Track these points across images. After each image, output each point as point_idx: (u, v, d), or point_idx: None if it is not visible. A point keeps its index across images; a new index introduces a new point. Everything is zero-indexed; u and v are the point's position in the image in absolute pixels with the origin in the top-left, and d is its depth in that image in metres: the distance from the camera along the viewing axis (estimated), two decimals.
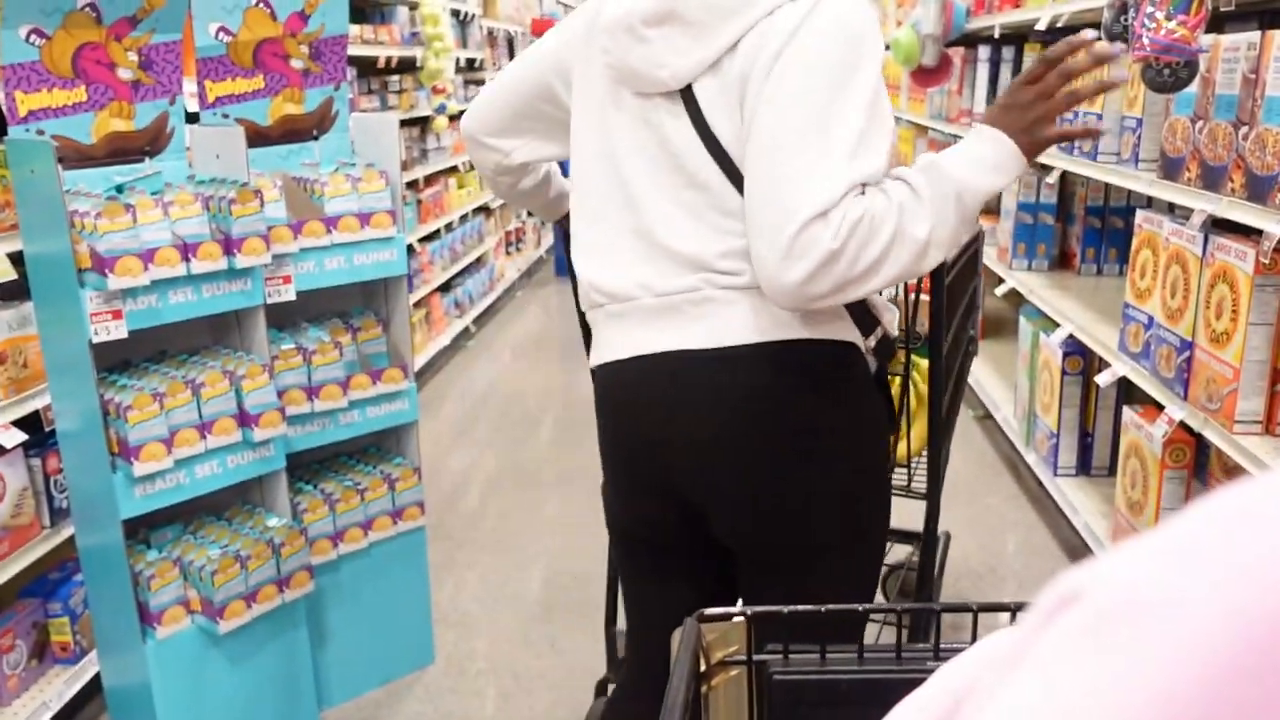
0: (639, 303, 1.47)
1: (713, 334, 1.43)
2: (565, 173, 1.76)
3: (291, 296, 2.37)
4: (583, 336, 1.82)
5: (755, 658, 0.91)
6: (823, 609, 0.92)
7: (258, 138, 2.51)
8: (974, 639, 0.74)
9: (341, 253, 2.47)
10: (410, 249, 5.24)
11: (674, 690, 0.80)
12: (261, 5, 2.46)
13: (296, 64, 2.55)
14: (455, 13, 6.27)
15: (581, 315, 1.72)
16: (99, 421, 2.07)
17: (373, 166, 2.56)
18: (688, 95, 1.40)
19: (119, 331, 2.04)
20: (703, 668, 0.90)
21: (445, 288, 5.98)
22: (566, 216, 1.70)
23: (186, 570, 2.24)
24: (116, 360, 2.26)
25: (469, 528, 3.76)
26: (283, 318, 2.55)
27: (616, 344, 1.52)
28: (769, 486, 1.47)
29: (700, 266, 1.42)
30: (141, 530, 2.30)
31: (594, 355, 1.59)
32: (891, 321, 1.56)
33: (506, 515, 3.88)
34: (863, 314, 1.48)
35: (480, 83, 6.86)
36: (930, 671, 0.54)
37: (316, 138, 2.61)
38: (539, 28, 8.18)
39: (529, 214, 8.50)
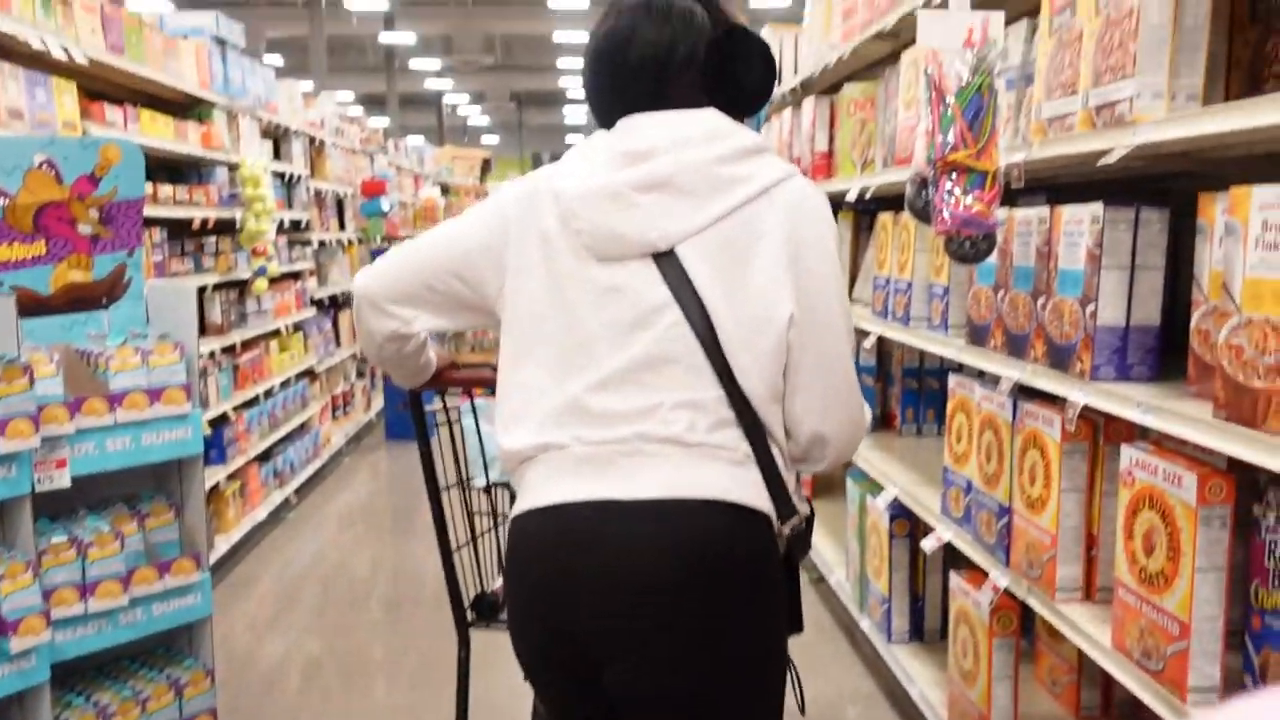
0: (570, 451, 1.52)
1: (643, 485, 1.48)
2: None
3: (65, 483, 2.15)
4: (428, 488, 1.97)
5: None
6: None
7: (37, 307, 2.31)
8: None
9: (127, 433, 2.26)
10: (224, 417, 4.96)
11: None
12: (45, 167, 2.31)
13: (84, 229, 2.38)
14: (280, 174, 6.17)
15: (430, 472, 1.95)
16: None
17: (167, 338, 2.38)
18: (665, 256, 1.51)
19: None
20: None
21: (264, 456, 5.67)
22: (436, 378, 1.85)
23: None
24: None
25: None
26: (58, 505, 2.31)
27: (544, 491, 1.54)
28: (692, 638, 1.49)
29: (635, 420, 1.49)
30: None
31: (519, 504, 1.59)
32: (802, 515, 1.62)
33: (327, 707, 3.56)
34: (784, 499, 1.56)
35: (307, 243, 6.72)
36: None
37: (106, 306, 2.42)
38: (370, 189, 8.14)
39: (359, 375, 8.27)
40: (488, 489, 2.26)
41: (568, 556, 1.51)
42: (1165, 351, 2.08)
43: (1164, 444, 1.95)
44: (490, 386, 1.81)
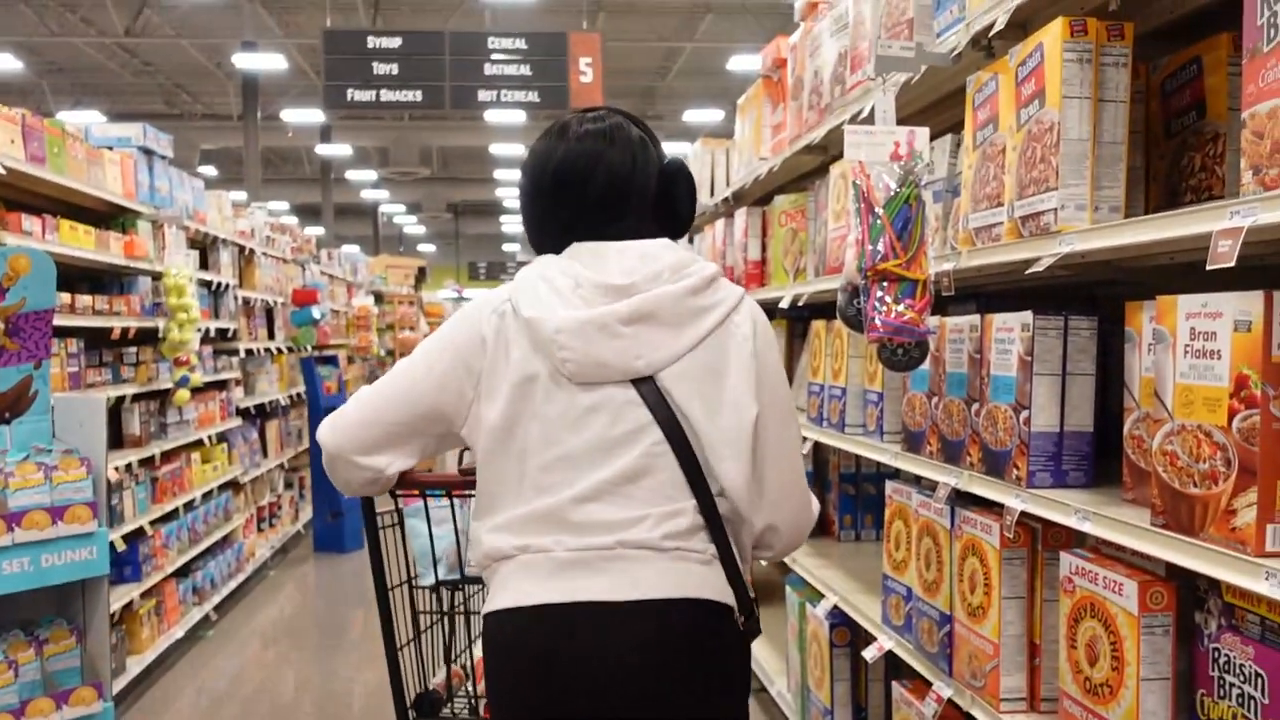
0: (552, 555, 1.61)
1: (623, 587, 1.59)
2: None
3: None
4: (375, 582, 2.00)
5: None
6: None
7: None
8: None
9: (25, 553, 2.13)
10: (140, 532, 4.76)
11: None
12: None
13: None
14: (207, 283, 6.07)
15: (378, 570, 1.99)
16: None
17: (73, 453, 2.27)
18: (644, 381, 1.64)
19: None
20: None
21: (183, 572, 5.44)
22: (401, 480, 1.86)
23: None
24: None
25: None
26: None
27: (524, 591, 1.62)
28: None
29: (617, 529, 1.61)
30: None
31: (494, 602, 1.67)
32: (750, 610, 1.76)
33: None
34: (744, 592, 1.72)
35: (234, 352, 6.58)
36: None
37: (8, 421, 2.30)
38: (301, 298, 8.05)
39: (286, 486, 8.05)
40: (434, 587, 2.27)
41: (559, 650, 1.60)
42: (1099, 457, 2.08)
43: (1102, 550, 1.93)
44: (460, 486, 1.92)
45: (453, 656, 2.27)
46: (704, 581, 1.65)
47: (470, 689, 2.25)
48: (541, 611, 1.61)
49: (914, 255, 2.20)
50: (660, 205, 1.80)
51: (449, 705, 2.22)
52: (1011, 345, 2.10)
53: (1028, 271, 1.94)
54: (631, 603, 1.59)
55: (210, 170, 23.84)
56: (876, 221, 2.19)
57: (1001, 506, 2.13)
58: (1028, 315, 2.05)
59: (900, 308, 2.24)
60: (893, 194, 2.19)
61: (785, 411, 1.78)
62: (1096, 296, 2.75)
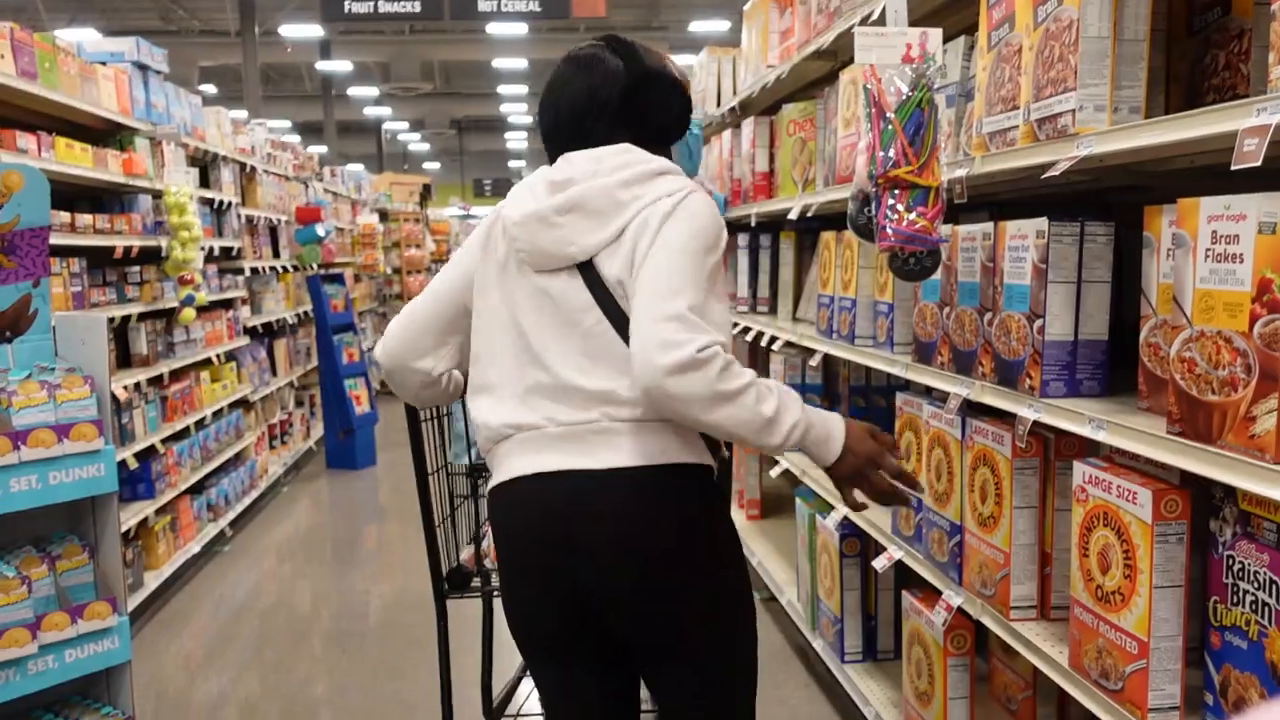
0: (544, 430, 1.78)
1: (609, 458, 1.74)
2: None
3: None
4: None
5: None
6: None
7: None
8: None
9: (32, 471, 2.13)
10: (152, 450, 4.78)
11: None
12: None
13: None
14: (209, 201, 6.00)
15: (419, 455, 2.32)
16: None
17: (76, 371, 2.26)
18: (587, 266, 1.78)
19: None
20: None
21: (196, 489, 5.48)
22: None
23: None
24: None
25: None
26: None
27: (520, 465, 1.80)
28: (669, 586, 1.77)
29: (599, 402, 1.75)
30: None
31: (496, 477, 1.86)
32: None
33: None
34: (714, 446, 1.86)
35: (239, 271, 6.55)
36: None
37: (10, 340, 2.28)
38: (305, 215, 7.98)
39: (297, 404, 8.08)
40: (470, 471, 2.53)
41: (556, 516, 1.76)
42: (1114, 367, 2.05)
43: (1115, 459, 1.92)
44: None
45: (480, 535, 2.55)
46: (680, 444, 1.77)
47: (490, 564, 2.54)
48: (536, 480, 1.78)
49: (926, 161, 2.14)
50: (626, 114, 1.88)
51: (476, 579, 2.51)
52: (1026, 253, 2.05)
53: (1044, 176, 1.88)
54: (613, 470, 1.73)
55: (210, 88, 23.48)
56: (888, 127, 2.13)
57: (1014, 417, 2.11)
58: (1042, 221, 2.00)
59: (912, 216, 2.19)
60: (905, 98, 2.13)
61: (666, 257, 1.72)
62: (1111, 204, 2.69)
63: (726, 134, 4.72)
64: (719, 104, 5.03)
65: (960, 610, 2.41)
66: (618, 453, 1.74)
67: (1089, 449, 2.10)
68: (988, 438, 2.24)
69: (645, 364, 1.63)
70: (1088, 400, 1.98)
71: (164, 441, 4.93)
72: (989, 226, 2.21)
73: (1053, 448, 2.14)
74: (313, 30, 18.58)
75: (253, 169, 7.06)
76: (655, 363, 1.61)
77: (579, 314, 1.78)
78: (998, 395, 2.15)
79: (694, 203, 1.78)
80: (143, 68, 5.02)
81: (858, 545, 3.30)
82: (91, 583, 2.31)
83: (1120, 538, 1.76)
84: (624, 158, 1.83)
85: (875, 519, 3.00)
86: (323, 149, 20.45)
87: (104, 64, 4.62)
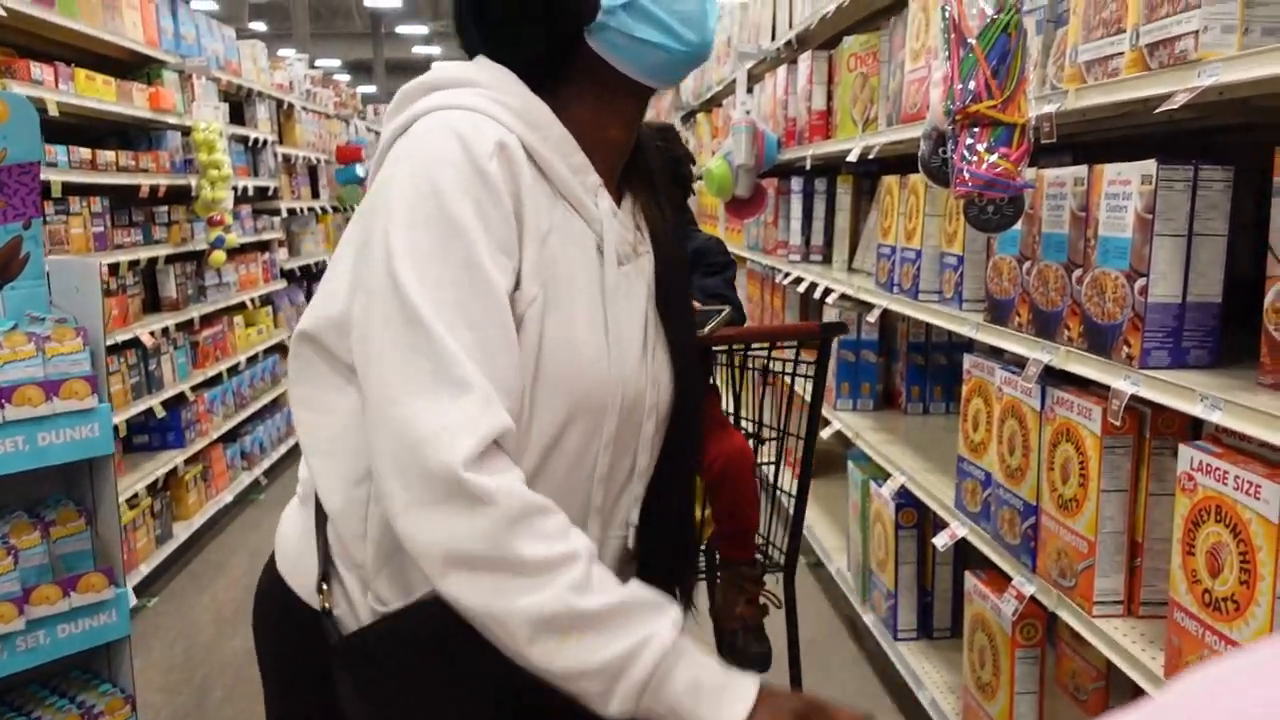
0: None
1: None
2: None
3: None
4: None
5: None
6: None
7: None
8: None
9: (19, 431, 1.96)
10: (182, 397, 4.65)
11: None
12: None
13: None
14: (243, 139, 5.81)
15: None
16: None
17: (67, 322, 2.07)
18: None
19: None
20: None
21: (229, 437, 5.36)
22: None
23: None
24: None
25: None
26: None
27: None
28: None
29: None
30: None
31: None
32: None
33: None
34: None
35: (275, 212, 6.37)
36: None
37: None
38: (345, 155, 7.78)
39: None
40: None
41: None
42: (1226, 333, 1.78)
43: (1224, 440, 1.66)
44: None
45: None
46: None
47: None
48: None
49: (1011, 95, 1.87)
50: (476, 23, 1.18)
51: None
52: (1127, 201, 1.78)
53: (1157, 110, 1.60)
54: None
55: (260, 25, 23.29)
56: (969, 55, 1.85)
57: (1104, 388, 1.85)
58: (1150, 164, 1.72)
59: (993, 158, 1.92)
60: (989, 21, 1.85)
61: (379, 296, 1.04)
62: (1217, 145, 2.39)
63: (781, 70, 4.42)
64: (774, 37, 4.72)
65: (1033, 599, 2.17)
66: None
67: (1193, 427, 1.84)
68: (1072, 410, 1.98)
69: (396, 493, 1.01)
70: (1196, 373, 1.72)
71: (194, 389, 4.79)
72: (1081, 170, 1.94)
73: (1149, 424, 1.88)
74: None
75: (290, 106, 6.86)
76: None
77: None
78: (1087, 363, 1.89)
79: (420, 138, 1.07)
80: None
81: (914, 516, 3.07)
82: (89, 550, 2.15)
83: (1236, 537, 1.51)
84: (423, 77, 1.17)
85: (935, 490, 2.76)
86: (372, 89, 20.17)
87: None
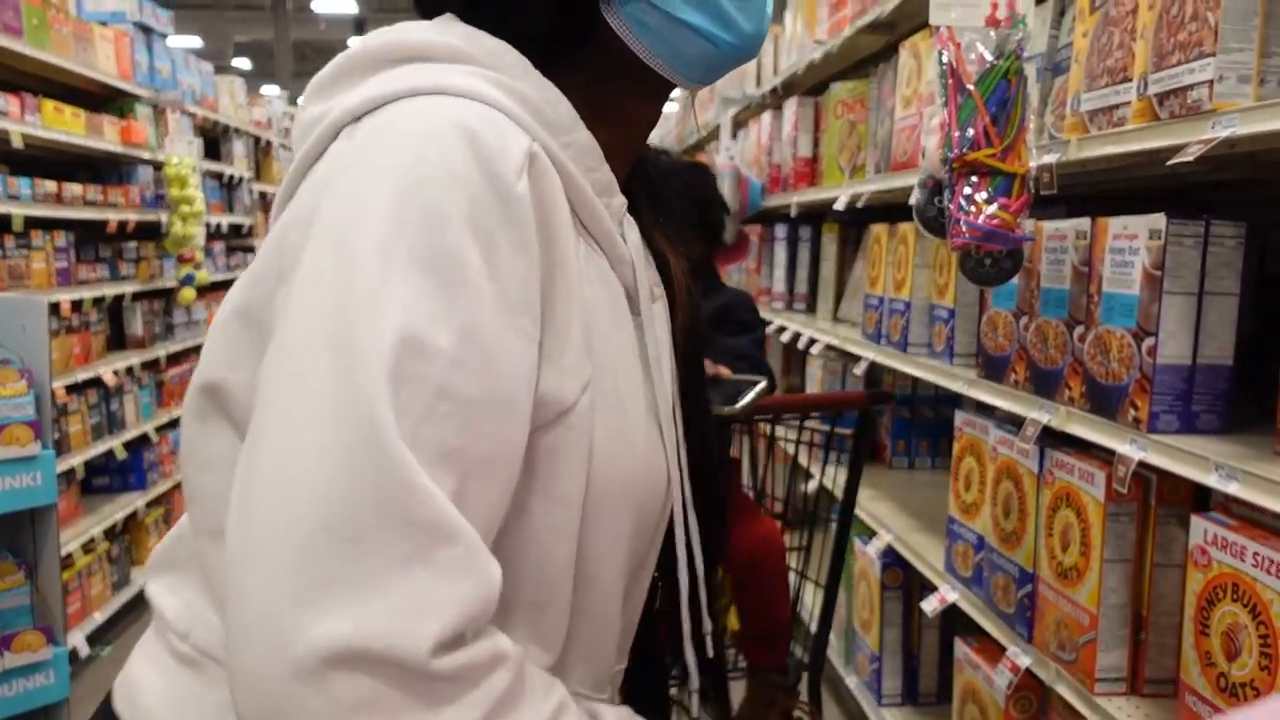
0: None
1: None
2: None
3: None
4: None
5: None
6: None
7: None
8: None
9: None
10: (144, 439, 4.50)
11: None
12: None
13: None
14: (218, 175, 5.71)
15: None
16: None
17: (10, 364, 1.95)
18: None
19: None
20: None
21: None
22: None
23: None
24: None
25: None
26: None
27: None
28: None
29: None
30: None
31: None
32: None
33: None
34: None
35: (249, 250, 6.25)
36: None
37: None
38: None
39: None
40: None
41: None
42: (1236, 397, 1.69)
43: (1234, 510, 1.57)
44: None
45: None
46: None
47: None
48: None
49: (1011, 143, 1.80)
50: None
51: None
52: (1134, 256, 1.70)
53: (1170, 162, 1.52)
54: None
55: (244, 63, 23.29)
56: (968, 101, 1.78)
57: (1106, 451, 1.76)
58: (1159, 218, 1.64)
59: (992, 209, 1.85)
60: (988, 67, 1.79)
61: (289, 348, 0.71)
62: (1224, 201, 2.33)
63: (766, 116, 4.37)
64: (759, 83, 4.68)
65: (1029, 672, 2.06)
66: None
67: (1198, 494, 1.75)
68: (1073, 474, 1.89)
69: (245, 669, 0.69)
70: (1206, 438, 1.63)
71: (159, 429, 4.65)
72: (1084, 223, 1.86)
73: (1154, 491, 1.79)
74: (346, 5, 18.30)
75: (268, 143, 6.76)
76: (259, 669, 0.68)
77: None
78: (1090, 426, 1.80)
79: (400, 121, 0.74)
80: (146, 29, 4.71)
81: (900, 577, 2.96)
82: (28, 605, 2.01)
83: (1256, 618, 1.41)
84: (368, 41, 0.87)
85: (923, 550, 2.66)
86: None
87: (103, 24, 4.32)
